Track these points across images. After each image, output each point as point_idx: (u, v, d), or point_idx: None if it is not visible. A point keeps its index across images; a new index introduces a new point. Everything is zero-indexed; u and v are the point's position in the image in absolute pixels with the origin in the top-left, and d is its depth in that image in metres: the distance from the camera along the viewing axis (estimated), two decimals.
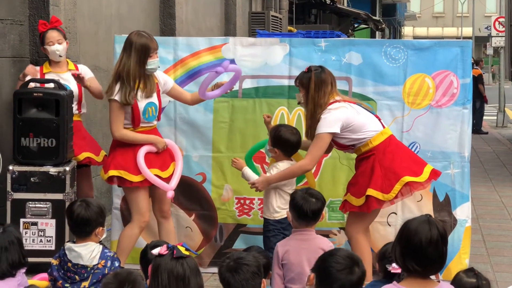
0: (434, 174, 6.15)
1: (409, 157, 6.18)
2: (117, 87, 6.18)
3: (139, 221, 6.31)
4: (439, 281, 4.05)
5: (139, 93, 6.22)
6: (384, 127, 6.17)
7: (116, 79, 6.22)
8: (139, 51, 6.17)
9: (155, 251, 3.69)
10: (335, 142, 6.12)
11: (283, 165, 6.13)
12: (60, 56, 7.25)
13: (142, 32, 6.31)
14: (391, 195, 5.96)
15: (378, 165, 6.03)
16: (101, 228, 5.01)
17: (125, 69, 6.17)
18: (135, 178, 6.22)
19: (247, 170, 6.22)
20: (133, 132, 6.28)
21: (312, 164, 6.08)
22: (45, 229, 6.71)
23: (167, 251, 3.63)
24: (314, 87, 6.04)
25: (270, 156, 6.37)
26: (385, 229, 6.87)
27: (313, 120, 6.05)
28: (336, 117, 5.99)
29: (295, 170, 6.10)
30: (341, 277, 3.77)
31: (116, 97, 6.16)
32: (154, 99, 6.32)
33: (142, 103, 6.23)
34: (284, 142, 6.15)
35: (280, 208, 6.05)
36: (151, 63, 6.21)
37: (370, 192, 5.92)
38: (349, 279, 3.77)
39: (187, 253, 3.64)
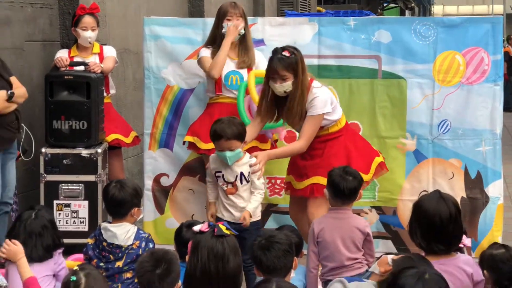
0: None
1: (364, 139, 6.32)
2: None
3: None
4: (457, 252, 4.04)
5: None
6: None
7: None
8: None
9: (196, 228, 3.71)
10: None
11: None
12: (90, 43, 7.29)
13: None
14: (369, 175, 5.97)
15: (351, 146, 6.03)
16: (136, 208, 5.04)
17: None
18: (203, 146, 6.40)
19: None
20: (216, 56, 6.50)
21: (307, 146, 5.97)
22: (78, 211, 6.78)
23: (208, 229, 3.65)
24: (302, 70, 5.89)
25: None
26: None
27: (301, 106, 5.86)
28: (327, 96, 5.94)
29: (294, 149, 6.02)
30: None
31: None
32: (243, 71, 6.48)
33: (225, 69, 6.44)
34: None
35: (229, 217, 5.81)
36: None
37: None
38: None
39: (227, 232, 3.65)
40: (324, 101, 5.89)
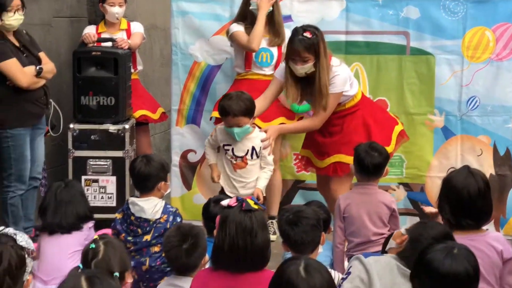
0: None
1: (381, 107, 6.27)
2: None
3: None
4: (487, 229, 4.02)
5: None
6: None
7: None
8: None
9: (224, 203, 3.71)
10: None
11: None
12: (117, 18, 7.29)
13: None
14: (391, 147, 5.93)
15: (370, 119, 5.98)
16: (163, 183, 5.05)
17: None
18: None
19: None
20: (253, 29, 6.47)
21: (322, 123, 5.92)
22: (106, 186, 6.81)
23: (236, 203, 3.65)
24: (324, 50, 5.78)
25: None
26: None
27: (324, 86, 5.75)
28: (346, 73, 5.89)
29: (307, 126, 6.00)
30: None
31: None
32: (273, 49, 6.43)
33: None
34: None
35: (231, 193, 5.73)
36: None
37: None
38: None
39: (255, 206, 3.65)
40: (344, 79, 5.86)
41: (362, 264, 3.65)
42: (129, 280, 3.83)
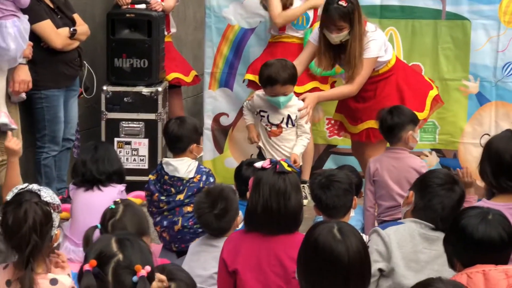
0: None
1: (415, 71, 6.19)
2: None
3: None
4: None
5: None
6: None
7: None
8: None
9: (258, 165, 3.71)
10: None
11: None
12: None
13: None
14: (425, 112, 5.89)
15: (404, 85, 5.92)
16: (195, 145, 5.07)
17: None
18: None
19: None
20: (289, 10, 6.40)
21: (359, 89, 5.86)
22: (138, 149, 6.84)
23: (270, 165, 3.65)
24: (359, 18, 5.71)
25: None
26: (477, 150, 6.74)
27: (359, 54, 5.70)
28: (381, 39, 5.84)
29: (344, 93, 5.91)
30: (441, 193, 3.72)
31: None
32: (310, 12, 6.44)
33: (294, 7, 6.42)
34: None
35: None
36: None
37: None
38: (449, 196, 3.72)
39: (289, 169, 3.65)
40: (379, 44, 5.81)
41: (380, 237, 3.67)
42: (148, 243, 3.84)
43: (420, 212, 3.72)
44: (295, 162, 5.53)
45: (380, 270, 3.63)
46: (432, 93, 6.06)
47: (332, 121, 6.75)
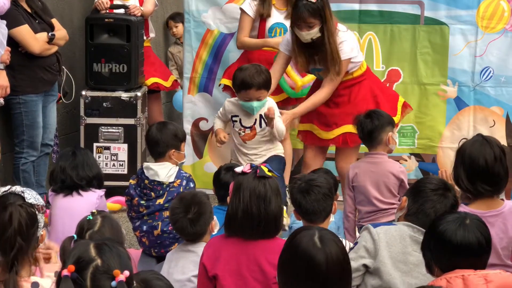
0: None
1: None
2: None
3: None
4: (503, 199, 4.04)
5: (273, 9, 6.36)
6: None
7: None
8: None
9: (239, 169, 3.70)
10: None
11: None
12: None
13: None
14: (397, 117, 5.89)
15: (376, 89, 5.91)
16: (174, 150, 5.06)
17: None
18: None
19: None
20: (251, 39, 6.38)
21: (331, 93, 5.79)
22: (117, 154, 6.82)
23: (250, 170, 3.65)
24: (330, 14, 5.64)
25: None
26: None
27: (335, 51, 5.62)
28: (353, 39, 5.82)
29: (318, 100, 5.80)
30: (433, 198, 3.72)
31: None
32: (288, 23, 6.14)
33: (270, 21, 6.34)
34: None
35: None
36: None
37: None
38: (441, 201, 3.72)
39: (269, 173, 3.65)
40: (351, 45, 5.75)
41: (370, 234, 3.67)
42: None
43: (412, 216, 3.71)
44: (269, 110, 5.47)
45: (365, 266, 3.64)
46: (401, 99, 6.06)
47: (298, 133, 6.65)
